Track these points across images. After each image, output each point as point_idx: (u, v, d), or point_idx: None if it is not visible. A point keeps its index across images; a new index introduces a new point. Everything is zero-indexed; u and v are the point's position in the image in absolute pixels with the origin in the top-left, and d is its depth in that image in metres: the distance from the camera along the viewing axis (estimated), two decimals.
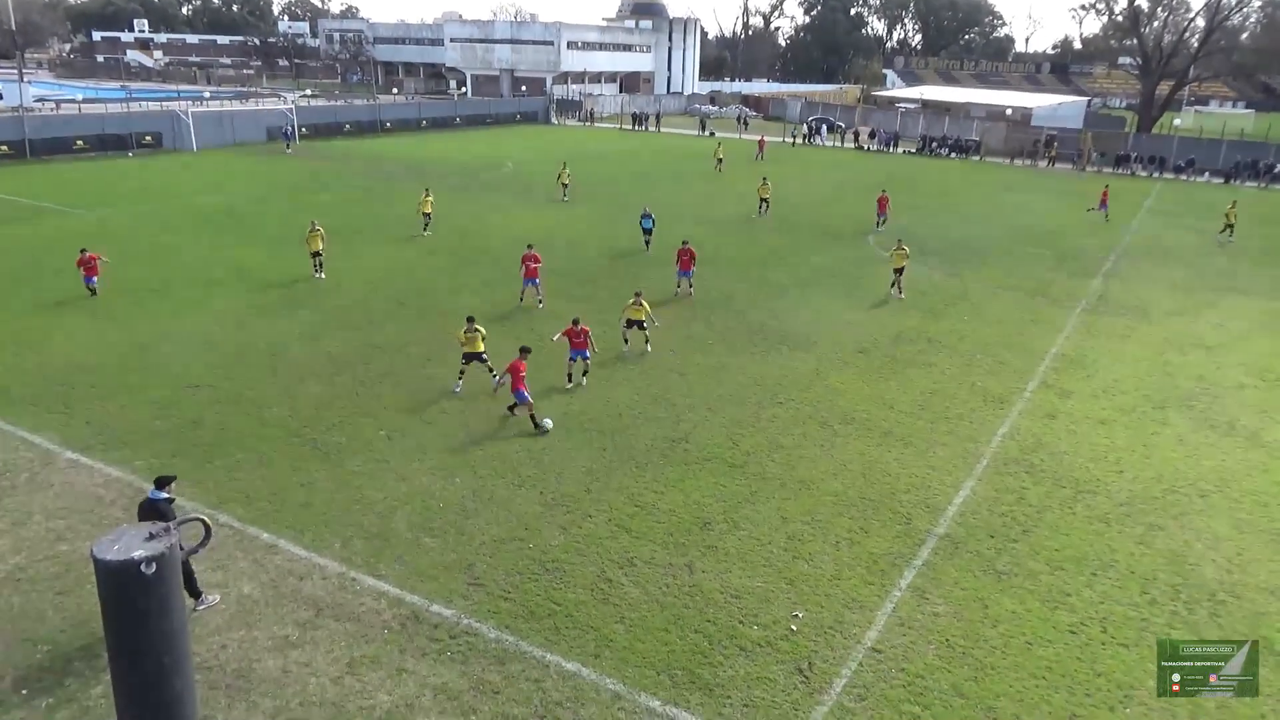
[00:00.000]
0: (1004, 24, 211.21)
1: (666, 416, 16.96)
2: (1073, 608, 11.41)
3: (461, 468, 14.61)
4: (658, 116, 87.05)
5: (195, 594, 10.55)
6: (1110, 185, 42.98)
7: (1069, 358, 21.21)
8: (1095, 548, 12.85)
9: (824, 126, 76.06)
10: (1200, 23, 80.00)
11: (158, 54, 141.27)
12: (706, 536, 12.77)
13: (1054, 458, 15.78)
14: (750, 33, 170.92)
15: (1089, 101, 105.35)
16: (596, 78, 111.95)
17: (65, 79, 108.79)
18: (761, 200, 38.12)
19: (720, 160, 53.20)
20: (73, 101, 69.61)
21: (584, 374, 18.12)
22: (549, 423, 16.09)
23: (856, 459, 15.45)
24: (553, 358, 18.39)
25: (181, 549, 7.84)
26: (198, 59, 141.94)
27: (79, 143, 50.46)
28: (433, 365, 19.24)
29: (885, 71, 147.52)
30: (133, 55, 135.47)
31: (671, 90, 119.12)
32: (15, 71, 79.70)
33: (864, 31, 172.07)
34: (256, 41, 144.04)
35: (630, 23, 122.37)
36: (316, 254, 25.51)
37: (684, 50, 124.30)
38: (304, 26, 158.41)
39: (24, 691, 9.31)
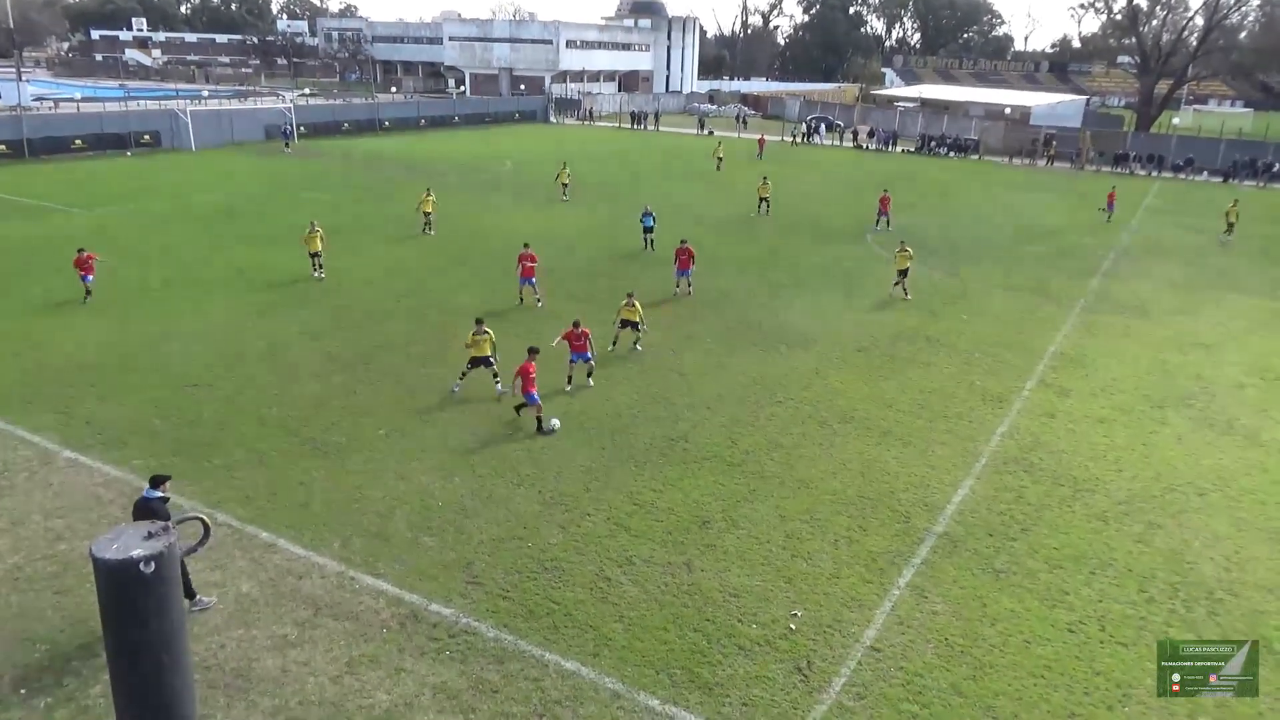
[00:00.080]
0: (1003, 23, 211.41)
1: (665, 415, 16.96)
2: (1071, 606, 11.42)
3: (460, 467, 14.61)
4: (656, 115, 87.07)
5: (190, 595, 10.54)
6: (1116, 186, 42.92)
7: (1068, 356, 21.23)
8: (1094, 546, 12.86)
9: (822, 125, 76.06)
10: (1199, 22, 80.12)
11: (156, 53, 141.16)
12: (705, 535, 12.78)
13: (1053, 456, 15.79)
14: (749, 31, 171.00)
15: (1087, 100, 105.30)
16: (595, 76, 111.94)
17: (63, 78, 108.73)
18: (761, 200, 38.09)
19: (720, 159, 53.20)
20: (71, 100, 69.54)
21: (589, 376, 18.03)
22: (556, 423, 16.06)
23: (855, 458, 15.46)
24: (553, 359, 18.34)
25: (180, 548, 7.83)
26: (196, 58, 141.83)
27: (77, 142, 50.39)
28: (432, 364, 19.23)
29: (884, 70, 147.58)
30: (131, 54, 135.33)
31: (670, 89, 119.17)
32: (13, 70, 79.57)
33: (863, 30, 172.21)
34: (255, 40, 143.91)
35: (629, 21, 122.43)
36: (315, 254, 25.46)
37: (683, 49, 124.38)
38: (303, 25, 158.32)
39: (23, 691, 9.31)
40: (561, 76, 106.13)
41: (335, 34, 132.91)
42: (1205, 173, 58.53)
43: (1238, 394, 19.20)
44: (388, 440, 15.50)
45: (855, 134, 73.00)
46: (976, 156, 65.84)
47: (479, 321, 17.40)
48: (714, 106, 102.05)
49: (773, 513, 13.47)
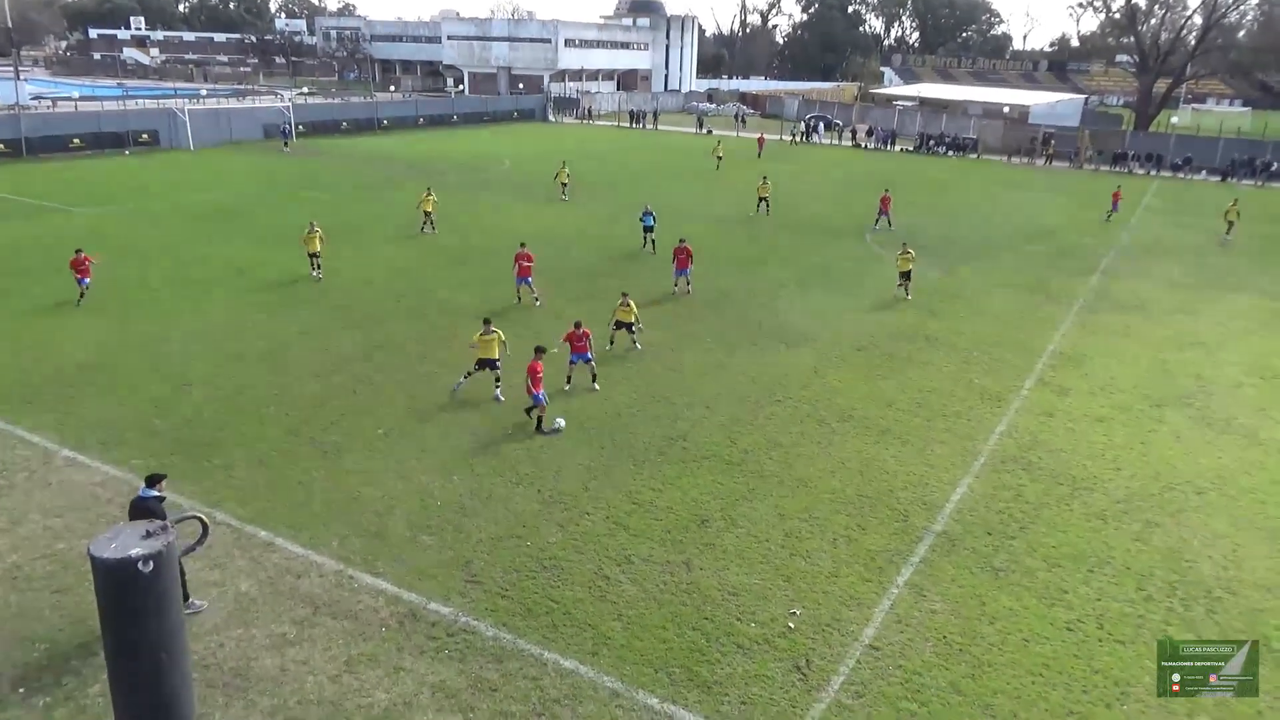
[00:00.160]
0: (1001, 22, 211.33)
1: (664, 414, 16.96)
2: (1070, 605, 11.43)
3: (459, 466, 14.61)
4: (655, 114, 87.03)
5: (184, 597, 10.51)
6: (1122, 186, 42.93)
7: (1067, 355, 21.24)
8: (1092, 545, 12.87)
9: (821, 124, 76.05)
10: (1197, 20, 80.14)
11: (154, 51, 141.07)
12: (704, 534, 12.78)
13: (1051, 455, 15.80)
14: (748, 30, 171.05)
15: (1086, 99, 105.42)
16: (594, 75, 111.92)
17: (61, 76, 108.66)
18: (760, 199, 38.06)
19: (720, 158, 53.19)
20: (69, 99, 69.50)
21: (593, 379, 17.96)
22: (561, 423, 16.05)
23: (854, 456, 15.46)
24: (555, 359, 18.30)
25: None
26: (194, 57, 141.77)
27: (75, 141, 50.35)
28: (431, 363, 19.23)
29: (883, 69, 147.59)
30: (129, 53, 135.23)
31: (669, 88, 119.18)
32: (11, 69, 79.48)
33: (861, 29, 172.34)
34: (253, 39, 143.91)
35: (628, 20, 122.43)
36: (314, 255, 25.40)
37: (681, 48, 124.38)
38: (301, 24, 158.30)
39: (21, 690, 9.30)
40: (560, 75, 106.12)
41: (334, 33, 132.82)
42: (1204, 172, 58.57)
43: (1236, 393, 19.22)
44: (386, 439, 15.50)
45: (854, 133, 73.01)
46: (975, 155, 65.87)
47: (486, 321, 17.29)
48: (713, 105, 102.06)
49: (771, 511, 13.48)
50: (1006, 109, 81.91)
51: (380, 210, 36.74)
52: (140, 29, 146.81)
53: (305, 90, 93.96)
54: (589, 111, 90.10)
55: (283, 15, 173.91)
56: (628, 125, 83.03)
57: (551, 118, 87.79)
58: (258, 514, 12.90)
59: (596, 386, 17.79)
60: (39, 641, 10.04)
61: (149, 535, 7.40)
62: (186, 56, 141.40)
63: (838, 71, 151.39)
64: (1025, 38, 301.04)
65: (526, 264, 23.43)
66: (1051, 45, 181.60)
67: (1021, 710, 9.57)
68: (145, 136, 53.62)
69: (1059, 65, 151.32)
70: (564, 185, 40.96)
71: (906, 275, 25.40)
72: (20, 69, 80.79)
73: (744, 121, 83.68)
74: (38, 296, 22.98)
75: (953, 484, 14.60)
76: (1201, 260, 32.76)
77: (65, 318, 21.54)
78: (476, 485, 13.97)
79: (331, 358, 19.35)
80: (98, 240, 29.12)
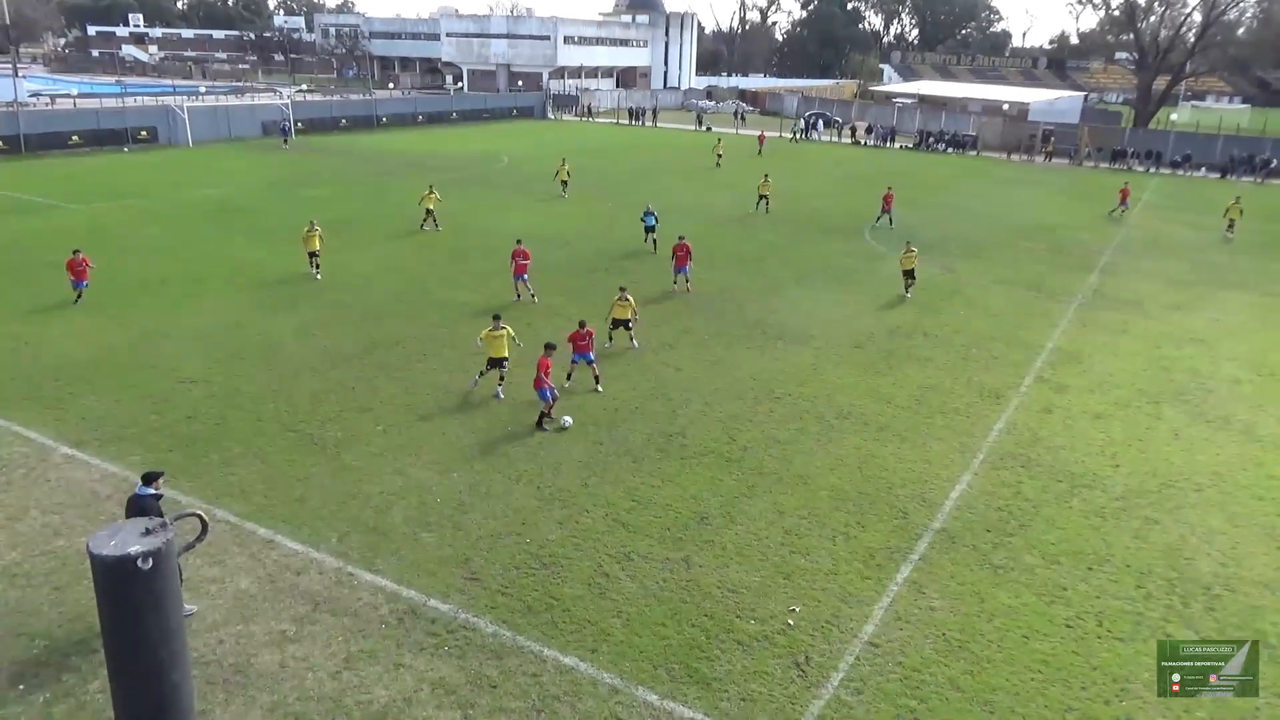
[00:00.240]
0: (1001, 19, 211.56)
1: (663, 411, 16.96)
2: (1069, 602, 11.44)
3: (458, 463, 14.61)
4: (654, 111, 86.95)
5: None
6: (1129, 183, 42.91)
7: (1065, 352, 21.25)
8: (1091, 542, 12.88)
9: (820, 121, 76.00)
10: (1197, 17, 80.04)
11: (153, 49, 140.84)
12: (703, 531, 12.79)
13: (1050, 452, 15.81)
14: (747, 27, 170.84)
15: (1085, 96, 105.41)
16: (593, 72, 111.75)
17: (60, 74, 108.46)
18: (761, 197, 38.02)
19: (720, 156, 53.15)
20: (67, 96, 69.41)
21: (596, 380, 17.85)
22: (568, 420, 16.05)
23: (853, 453, 15.47)
24: (557, 357, 18.25)
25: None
26: (193, 54, 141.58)
27: (74, 138, 50.27)
28: (430, 361, 19.22)
29: (882, 66, 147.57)
30: (128, 50, 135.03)
31: (668, 85, 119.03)
32: (9, 66, 79.36)
33: (861, 26, 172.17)
34: (252, 36, 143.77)
35: (627, 17, 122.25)
36: (314, 253, 25.33)
37: (681, 45, 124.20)
38: (299, 21, 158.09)
39: (21, 687, 9.30)
40: (559, 72, 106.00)
41: (332, 30, 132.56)
42: (1203, 169, 58.59)
43: (1234, 389, 19.24)
44: (385, 436, 15.50)
45: (853, 130, 73.00)
46: (974, 152, 65.87)
47: (496, 318, 17.24)
48: (712, 103, 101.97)
49: (771, 508, 13.48)
50: (1006, 106, 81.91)
51: (379, 208, 36.71)
52: (139, 26, 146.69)
53: (304, 87, 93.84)
54: (588, 109, 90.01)
55: (281, 12, 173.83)
56: (627, 122, 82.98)
57: (551, 115, 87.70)
58: (257, 511, 12.90)
59: (600, 389, 17.73)
60: (38, 638, 10.04)
61: (148, 532, 7.40)
62: (185, 54, 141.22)
63: (837, 68, 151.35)
64: (1025, 35, 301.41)
65: (523, 261, 23.45)
66: (1051, 42, 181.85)
67: (1020, 707, 9.58)
68: (144, 134, 53.55)
69: (1058, 62, 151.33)
70: (564, 183, 40.91)
71: (910, 274, 25.33)
72: (19, 66, 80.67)
73: (743, 119, 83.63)
74: (36, 293, 22.93)
75: (952, 481, 14.61)
76: (1200, 257, 32.78)
77: (63, 315, 21.52)
78: (475, 482, 13.97)
79: (330, 355, 19.34)
80: (96, 237, 29.11)
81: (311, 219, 26.29)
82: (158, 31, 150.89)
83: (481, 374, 17.33)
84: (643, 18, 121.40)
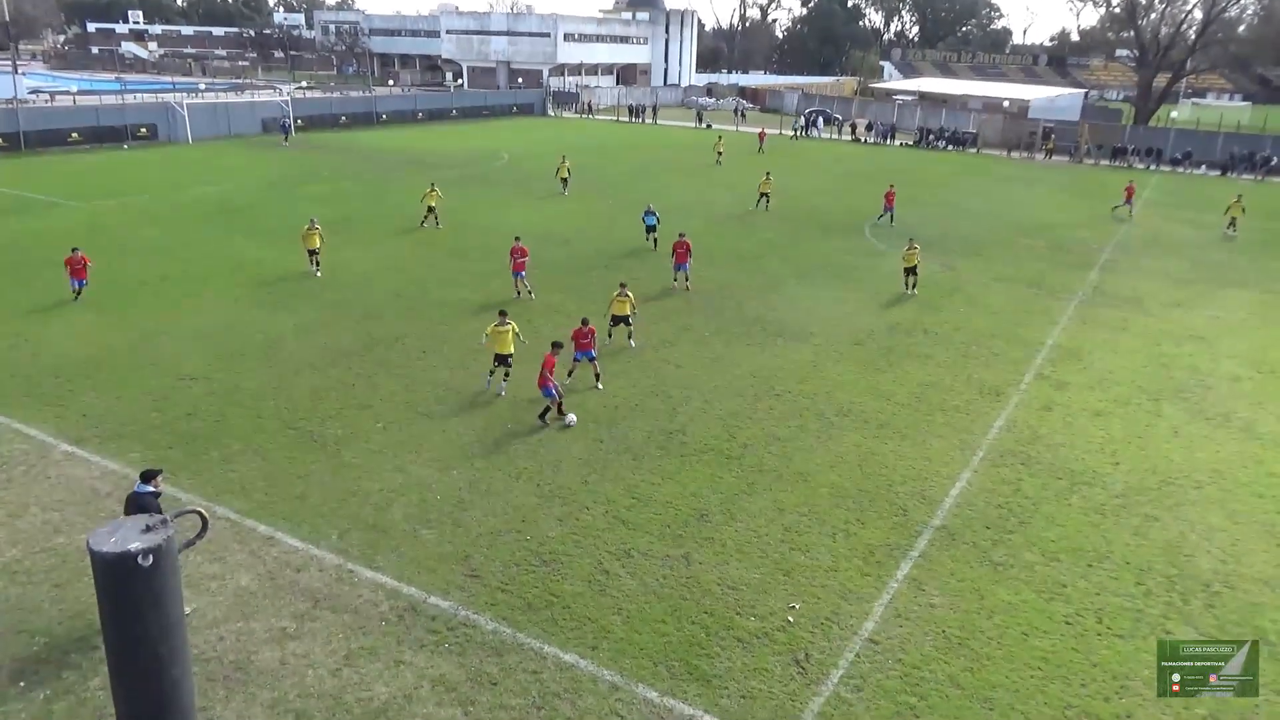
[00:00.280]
0: (1001, 16, 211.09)
1: (663, 408, 16.96)
2: (1069, 599, 11.45)
3: (458, 460, 14.61)
4: (655, 109, 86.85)
5: None
6: (1134, 181, 42.84)
7: (1065, 349, 21.25)
8: (1091, 539, 12.89)
9: (820, 118, 75.90)
10: (1197, 15, 79.99)
11: (152, 45, 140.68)
12: (703, 528, 12.79)
13: (1050, 449, 15.81)
14: (747, 24, 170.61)
15: (1086, 93, 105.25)
16: (593, 69, 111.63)
17: (59, 71, 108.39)
18: (762, 195, 38.00)
19: (720, 154, 53.10)
20: (67, 93, 69.37)
21: (597, 378, 17.85)
22: (573, 418, 16.03)
23: (853, 451, 15.47)
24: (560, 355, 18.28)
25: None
26: (193, 51, 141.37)
27: (73, 135, 50.22)
28: (429, 357, 19.23)
29: (882, 63, 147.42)
30: (127, 47, 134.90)
31: (668, 82, 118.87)
32: (9, 63, 79.30)
33: (861, 23, 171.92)
34: (252, 33, 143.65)
35: (627, 14, 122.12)
36: (314, 251, 25.32)
37: (681, 42, 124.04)
38: (299, 18, 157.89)
39: (21, 684, 9.31)
40: (559, 69, 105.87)
41: (332, 27, 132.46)
42: (1203, 166, 58.50)
43: (1234, 387, 19.23)
44: (385, 433, 15.50)
45: (853, 127, 72.88)
46: (975, 150, 65.77)
47: (502, 313, 17.21)
48: (712, 100, 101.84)
49: (770, 506, 13.49)
50: (1006, 103, 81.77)
51: (379, 205, 36.69)
52: (138, 23, 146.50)
53: (304, 84, 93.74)
54: (588, 106, 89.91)
55: (281, 9, 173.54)
56: (627, 120, 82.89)
57: (551, 112, 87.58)
58: (257, 508, 12.91)
59: (600, 386, 17.74)
60: (39, 635, 10.05)
61: (148, 529, 7.38)
62: (184, 50, 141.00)
63: (837, 66, 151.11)
64: (1025, 32, 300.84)
65: (521, 259, 23.48)
66: (1051, 40, 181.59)
67: (1020, 703, 9.59)
68: (144, 131, 53.50)
69: (1059, 59, 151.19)
70: (564, 180, 40.86)
71: (912, 271, 25.27)
72: (18, 63, 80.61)
73: (743, 116, 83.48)
74: (35, 291, 22.92)
75: (952, 478, 14.61)
76: (1200, 255, 32.75)
77: (63, 312, 21.51)
78: (475, 479, 13.98)
79: (330, 352, 19.34)
80: (96, 235, 29.10)
81: (312, 216, 26.29)
82: (157, 28, 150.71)
83: (491, 372, 17.31)
84: (643, 15, 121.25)
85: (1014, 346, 21.29)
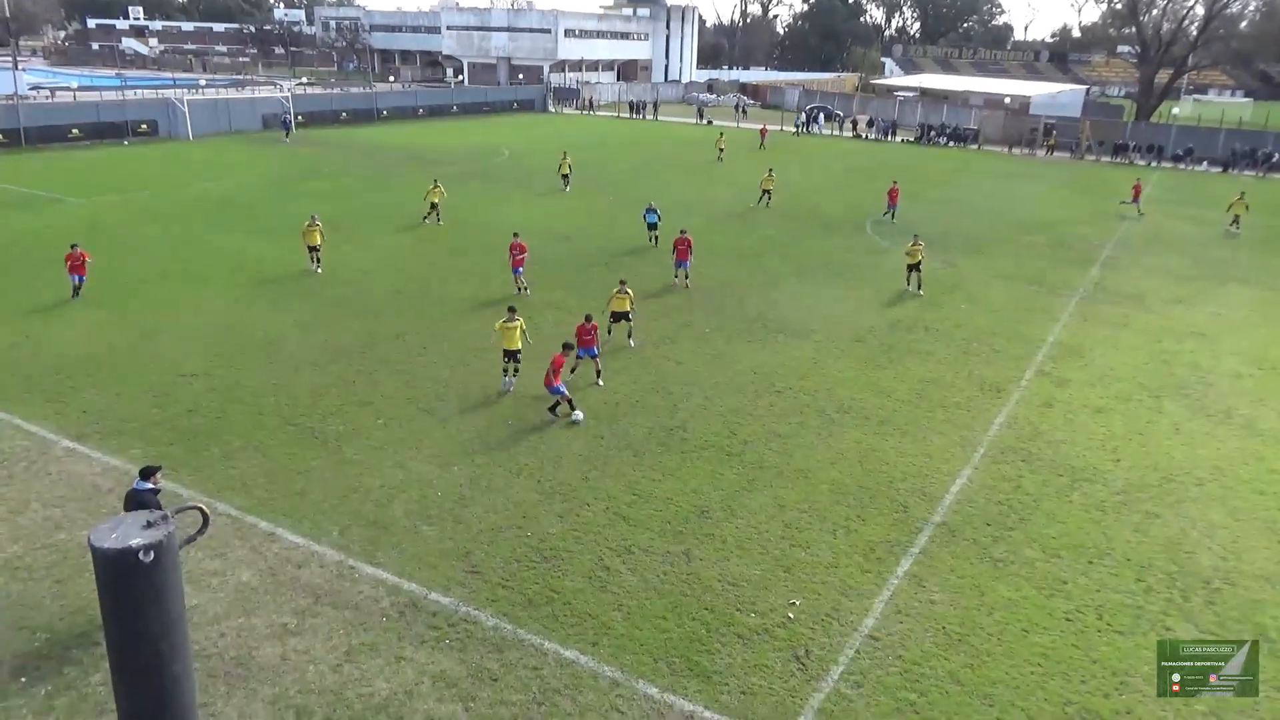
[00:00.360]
0: (1003, 12, 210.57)
1: (664, 405, 16.97)
2: (1069, 595, 11.46)
3: (458, 456, 14.62)
4: (655, 105, 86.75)
5: None
6: (1141, 179, 42.71)
7: (1066, 346, 21.24)
8: (1092, 536, 12.89)
9: (821, 115, 75.81)
10: (1199, 10, 79.88)
11: (153, 41, 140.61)
12: (704, 524, 12.80)
13: (1051, 446, 15.81)
14: (748, 20, 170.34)
15: (1087, 90, 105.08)
16: (594, 66, 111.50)
17: (60, 66, 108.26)
18: (764, 191, 37.98)
19: (722, 150, 53.05)
20: (68, 89, 69.35)
21: (598, 375, 17.85)
22: (580, 415, 16.04)
23: (854, 447, 15.47)
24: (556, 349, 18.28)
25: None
26: (193, 47, 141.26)
27: (74, 131, 50.17)
28: (430, 354, 19.23)
29: (883, 60, 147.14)
30: (128, 43, 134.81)
31: (669, 78, 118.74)
32: (9, 59, 79.23)
33: (862, 19, 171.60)
34: (252, 29, 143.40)
35: (628, 10, 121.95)
36: (314, 248, 25.30)
37: (682, 38, 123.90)
38: (300, 14, 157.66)
39: (23, 679, 9.32)
40: (560, 66, 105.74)
41: (332, 23, 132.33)
42: (1205, 163, 58.42)
43: (1235, 384, 19.22)
44: (386, 430, 15.51)
45: (854, 123, 72.81)
46: (976, 146, 65.69)
47: (512, 310, 17.16)
48: (713, 96, 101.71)
49: (771, 502, 13.49)
50: (1007, 99, 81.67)
51: (380, 202, 36.67)
52: (139, 19, 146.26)
53: (304, 81, 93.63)
54: (589, 102, 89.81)
55: (281, 5, 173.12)
56: (628, 116, 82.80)
57: (551, 108, 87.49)
58: (258, 504, 12.92)
59: (601, 383, 17.75)
60: (40, 631, 10.07)
61: (149, 525, 7.39)
62: (185, 47, 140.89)
63: (838, 62, 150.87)
64: (1026, 28, 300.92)
65: (520, 255, 23.49)
66: (1053, 36, 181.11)
67: (1020, 700, 9.60)
68: (144, 127, 53.48)
69: (1060, 56, 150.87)
70: (565, 177, 40.81)
71: (915, 267, 25.13)
72: (18, 59, 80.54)
73: (744, 112, 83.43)
74: (35, 287, 22.91)
75: (952, 475, 14.61)
76: (1201, 251, 32.71)
77: (64, 309, 21.51)
78: (476, 475, 13.98)
79: (331, 349, 19.34)
80: (96, 231, 29.08)
81: (312, 213, 26.27)
82: (158, 24, 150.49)
83: (505, 370, 17.25)
84: (643, 11, 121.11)
85: (1015, 343, 21.28)
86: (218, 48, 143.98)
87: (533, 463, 14.46)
